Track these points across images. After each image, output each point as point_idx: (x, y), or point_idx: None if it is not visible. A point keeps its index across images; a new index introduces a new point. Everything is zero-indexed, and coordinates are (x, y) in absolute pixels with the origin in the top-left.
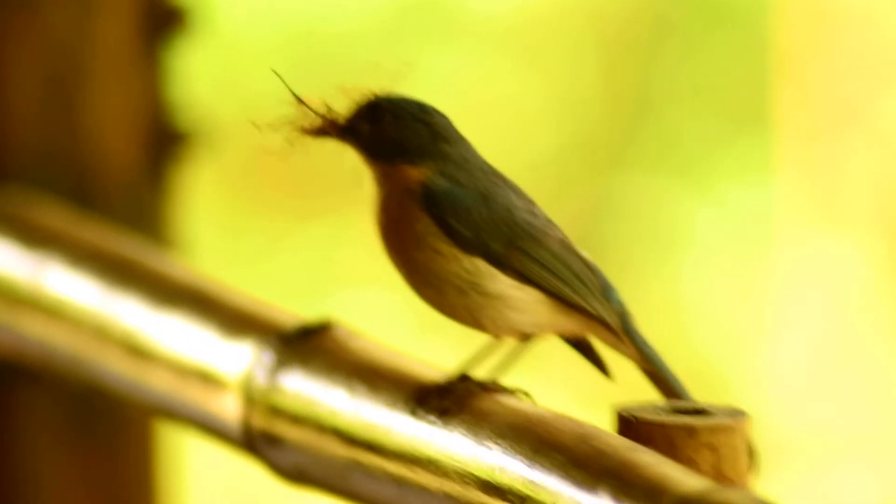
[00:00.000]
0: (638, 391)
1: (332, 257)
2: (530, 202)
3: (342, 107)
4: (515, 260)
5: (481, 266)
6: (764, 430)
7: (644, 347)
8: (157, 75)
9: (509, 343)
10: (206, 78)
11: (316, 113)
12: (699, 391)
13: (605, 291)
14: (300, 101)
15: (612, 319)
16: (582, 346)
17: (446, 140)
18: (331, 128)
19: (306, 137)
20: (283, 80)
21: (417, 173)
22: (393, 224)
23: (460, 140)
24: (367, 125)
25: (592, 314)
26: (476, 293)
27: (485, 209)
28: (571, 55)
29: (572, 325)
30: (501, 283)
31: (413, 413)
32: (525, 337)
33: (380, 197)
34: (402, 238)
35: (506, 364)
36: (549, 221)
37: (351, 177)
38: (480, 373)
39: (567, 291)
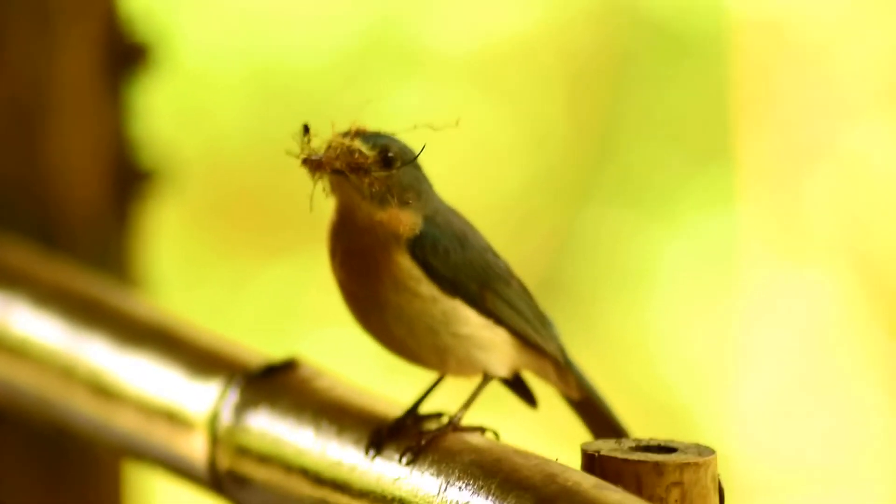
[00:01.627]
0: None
1: (297, 295)
2: (488, 243)
3: (314, 145)
4: (489, 301)
5: (459, 308)
6: (731, 465)
7: (581, 377)
8: (120, 112)
9: (458, 379)
10: (170, 114)
11: (323, 148)
12: (666, 425)
13: (548, 326)
14: (307, 132)
15: (559, 355)
16: (510, 379)
17: (427, 184)
18: (347, 164)
19: (316, 171)
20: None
21: (409, 220)
22: (370, 266)
23: (431, 184)
24: (381, 168)
25: (547, 353)
26: (448, 334)
27: (461, 251)
28: (536, 90)
29: (527, 363)
30: (473, 324)
31: (371, 458)
32: (485, 375)
33: (352, 238)
34: (379, 280)
35: (470, 402)
36: (506, 263)
37: (299, 218)
38: (430, 408)
39: (529, 331)
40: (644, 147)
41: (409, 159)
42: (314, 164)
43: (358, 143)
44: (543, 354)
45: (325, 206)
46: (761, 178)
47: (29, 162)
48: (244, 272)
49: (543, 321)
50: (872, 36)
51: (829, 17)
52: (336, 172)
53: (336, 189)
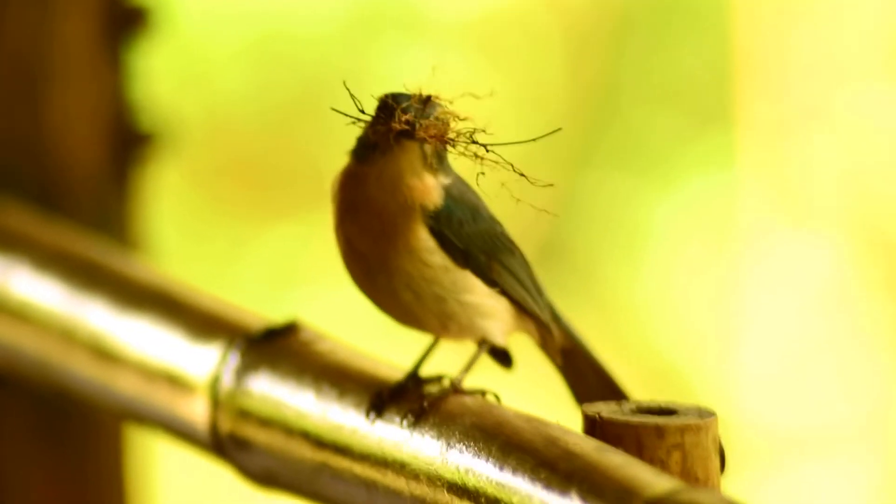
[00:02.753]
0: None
1: (297, 258)
2: (492, 213)
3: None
4: (495, 271)
5: (468, 277)
6: (731, 430)
7: (569, 330)
8: (120, 75)
9: (452, 344)
10: (169, 78)
11: (398, 120)
12: (666, 390)
13: (541, 292)
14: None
15: (552, 323)
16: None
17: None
18: (442, 136)
19: (432, 142)
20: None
21: (436, 191)
22: (384, 231)
23: None
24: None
25: (543, 321)
26: (455, 301)
27: (472, 223)
28: (535, 54)
29: (522, 329)
30: (479, 293)
31: (371, 422)
32: (482, 340)
33: (373, 197)
34: (392, 246)
35: (470, 365)
36: (505, 230)
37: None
38: (428, 371)
39: (529, 300)
40: (643, 110)
41: None
42: (406, 134)
43: (451, 117)
44: (538, 323)
45: (320, 168)
46: (761, 140)
47: (29, 126)
48: (244, 235)
49: (539, 288)
50: None
51: None
52: (424, 140)
53: (401, 152)
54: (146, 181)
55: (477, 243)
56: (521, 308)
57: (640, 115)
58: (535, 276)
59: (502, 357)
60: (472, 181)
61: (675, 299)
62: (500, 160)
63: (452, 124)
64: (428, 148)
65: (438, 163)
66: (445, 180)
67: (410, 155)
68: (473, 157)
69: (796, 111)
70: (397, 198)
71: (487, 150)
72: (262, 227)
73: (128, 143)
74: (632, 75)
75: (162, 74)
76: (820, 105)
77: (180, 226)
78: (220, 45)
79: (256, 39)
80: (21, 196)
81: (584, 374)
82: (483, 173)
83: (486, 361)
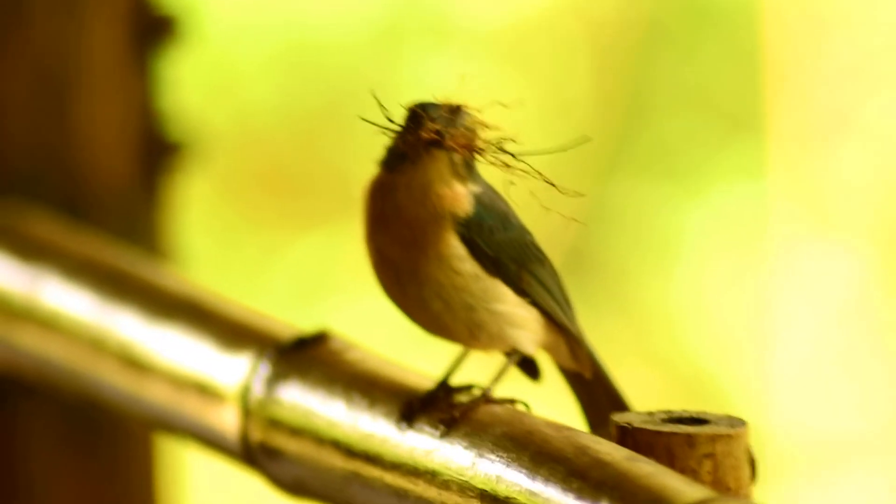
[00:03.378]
0: (632, 399)
1: (327, 267)
2: (523, 223)
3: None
4: (525, 281)
5: (499, 286)
6: (762, 439)
7: (594, 357)
8: (148, 84)
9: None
10: (198, 87)
11: (428, 130)
12: (697, 398)
13: (571, 307)
14: (417, 113)
15: (582, 337)
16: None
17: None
18: (468, 148)
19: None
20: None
21: (466, 199)
22: (414, 240)
23: None
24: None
25: (573, 333)
26: (485, 310)
27: (503, 231)
28: (563, 61)
29: (551, 341)
30: (510, 302)
31: (403, 431)
32: (511, 350)
33: (403, 205)
34: (422, 255)
35: (501, 374)
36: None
37: (328, 190)
38: (458, 380)
39: (558, 312)
40: (672, 117)
41: None
42: (435, 143)
43: (480, 126)
44: (566, 334)
45: (349, 176)
46: (792, 148)
47: (57, 135)
48: (273, 244)
49: (569, 302)
50: None
51: None
52: (453, 149)
53: (430, 161)
54: (174, 190)
55: (507, 251)
56: (550, 319)
57: (669, 123)
58: (564, 287)
59: (530, 369)
60: (501, 190)
61: (706, 308)
62: (529, 169)
63: (481, 133)
64: (457, 157)
65: (467, 171)
66: (475, 188)
67: (439, 164)
68: (502, 166)
69: (827, 119)
70: (427, 206)
71: (516, 159)
72: (291, 236)
73: (156, 153)
74: (660, 83)
75: (190, 83)
76: (851, 113)
77: (209, 235)
78: (249, 53)
79: (285, 48)
80: (50, 205)
81: (598, 399)
82: (513, 182)
83: (516, 371)
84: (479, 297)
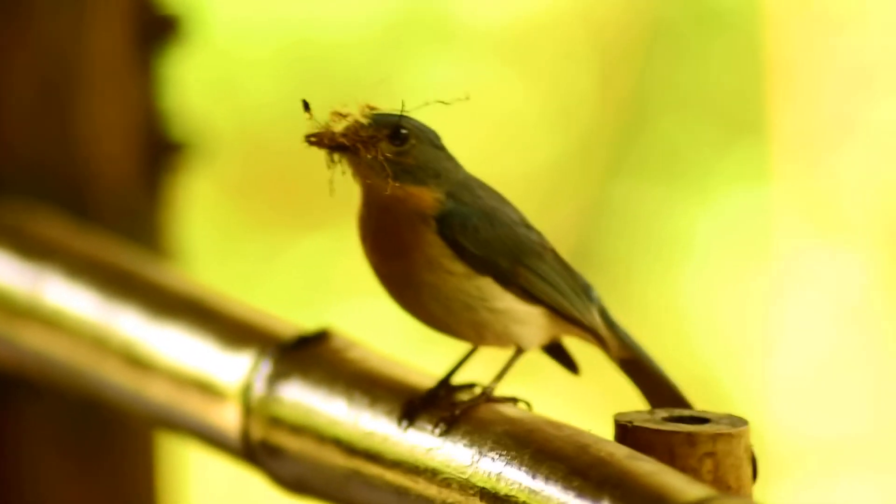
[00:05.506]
0: (634, 398)
1: (329, 267)
2: (523, 216)
3: (337, 122)
4: (521, 276)
5: (492, 284)
6: (764, 438)
7: (626, 338)
8: (151, 85)
9: (489, 350)
10: (201, 87)
11: (332, 126)
12: (699, 399)
13: (587, 293)
14: (308, 108)
15: (599, 325)
16: (550, 347)
17: (451, 162)
18: (352, 142)
19: (319, 148)
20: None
21: (430, 197)
22: (400, 245)
23: (457, 162)
24: (390, 145)
25: (585, 324)
26: (485, 309)
27: (490, 228)
28: (567, 64)
29: (562, 332)
30: (508, 299)
31: (404, 429)
32: (519, 347)
33: (375, 217)
34: (411, 260)
35: (503, 373)
36: (540, 234)
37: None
38: (461, 379)
39: (565, 304)
40: (676, 120)
41: (423, 136)
42: (318, 141)
43: (364, 119)
44: (582, 327)
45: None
46: (795, 151)
47: (60, 135)
48: (276, 244)
49: (580, 290)
50: None
51: None
52: (341, 148)
53: (352, 167)
54: (177, 190)
55: (497, 248)
56: (558, 313)
57: (673, 125)
58: (574, 276)
59: (567, 362)
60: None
61: (709, 310)
62: (386, 167)
63: (363, 130)
64: (374, 156)
65: (421, 170)
66: (448, 186)
67: (361, 166)
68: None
69: (830, 121)
70: (394, 211)
71: (385, 158)
72: (293, 235)
73: (159, 152)
74: (664, 85)
75: (193, 83)
76: (856, 117)
77: (212, 235)
78: (252, 53)
79: (288, 48)
80: (53, 204)
81: (647, 383)
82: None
83: (519, 369)
84: (475, 296)
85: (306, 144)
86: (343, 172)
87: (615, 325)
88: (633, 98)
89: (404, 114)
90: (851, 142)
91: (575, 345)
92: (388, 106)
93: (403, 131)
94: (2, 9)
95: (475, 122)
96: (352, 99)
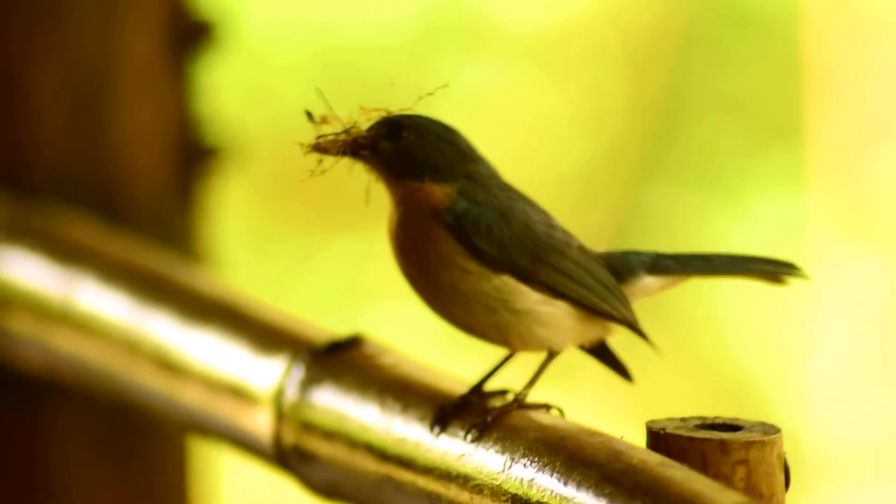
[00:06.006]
0: (667, 404)
1: (362, 271)
2: (547, 215)
3: (363, 125)
4: (543, 274)
5: (510, 283)
6: (801, 445)
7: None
8: (184, 90)
9: (524, 356)
10: (234, 92)
11: (337, 131)
12: (735, 406)
13: (619, 290)
14: (311, 118)
15: (635, 319)
16: (601, 353)
17: (468, 159)
18: (350, 145)
19: (326, 156)
20: (323, 97)
21: (440, 193)
22: (416, 244)
23: (480, 159)
24: (389, 143)
25: (619, 318)
26: (506, 310)
27: (505, 226)
28: (599, 68)
29: (597, 331)
30: (530, 299)
31: (436, 435)
32: (549, 351)
33: (398, 216)
34: (427, 258)
35: (535, 379)
36: (566, 232)
37: (363, 194)
38: (495, 385)
39: (594, 299)
40: (709, 125)
41: (425, 132)
42: (321, 150)
43: (358, 124)
44: (615, 321)
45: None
46: (831, 157)
47: (93, 140)
48: (309, 248)
49: (612, 286)
50: None
51: None
52: (343, 154)
53: (369, 168)
54: (210, 194)
55: (513, 247)
56: (588, 310)
57: (707, 129)
58: (603, 272)
59: (619, 368)
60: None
61: (745, 316)
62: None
63: (357, 135)
64: (375, 157)
65: (421, 164)
66: (460, 186)
67: (372, 169)
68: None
69: (867, 127)
70: (406, 207)
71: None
72: (325, 240)
73: (193, 157)
74: (698, 89)
75: (227, 88)
76: (892, 122)
77: (245, 239)
78: (285, 58)
79: (321, 51)
80: (86, 209)
81: None
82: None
83: (552, 374)
84: (495, 297)
85: (312, 152)
86: (377, 178)
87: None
88: (666, 102)
89: (406, 111)
90: (889, 148)
91: (625, 350)
92: (402, 107)
93: (399, 130)
94: (34, 16)
95: (507, 126)
96: (382, 103)
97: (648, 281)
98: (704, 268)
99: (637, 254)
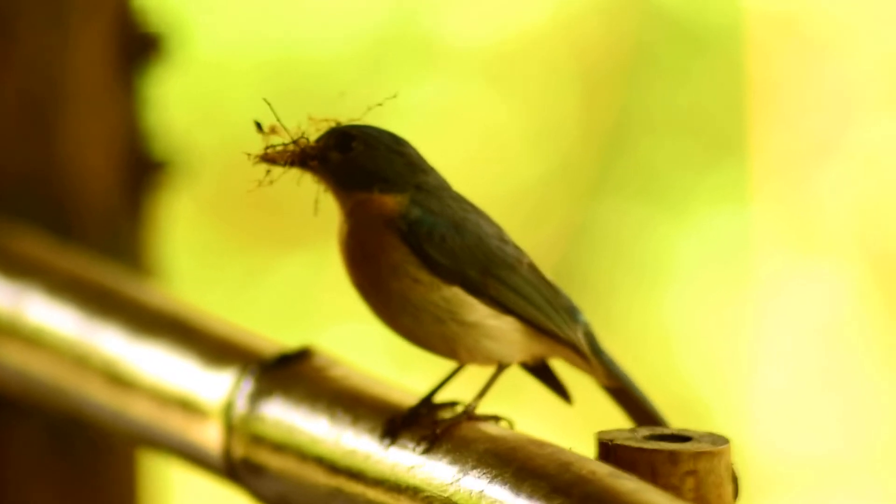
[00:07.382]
0: (616, 416)
1: (312, 289)
2: (500, 229)
3: (312, 136)
4: (492, 287)
5: (460, 294)
6: (746, 457)
7: (611, 365)
8: (134, 102)
9: (474, 369)
10: (184, 105)
11: (285, 141)
12: (681, 418)
13: (571, 313)
14: (260, 128)
15: (580, 342)
16: (541, 372)
17: (418, 169)
18: (299, 156)
19: (275, 166)
20: (271, 108)
21: (392, 203)
22: (366, 254)
23: (430, 169)
24: (337, 154)
25: (563, 339)
26: (454, 322)
27: (458, 237)
28: (550, 84)
29: (543, 350)
30: (479, 313)
31: (385, 447)
32: (497, 364)
33: (348, 227)
34: (378, 268)
35: (484, 391)
36: (518, 248)
37: (313, 205)
38: (444, 397)
39: (541, 318)
40: (657, 141)
41: (375, 142)
42: (269, 160)
43: (306, 134)
44: (561, 342)
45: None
46: (775, 172)
47: (43, 153)
48: (258, 265)
49: (560, 307)
50: (886, 30)
51: (844, 11)
52: (292, 165)
53: (318, 179)
54: (160, 208)
55: (465, 258)
56: (535, 328)
57: (655, 145)
58: (553, 293)
59: (559, 389)
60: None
61: (690, 329)
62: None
63: (305, 145)
64: (323, 167)
65: (371, 175)
66: (417, 195)
67: (321, 179)
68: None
69: (810, 142)
70: (356, 217)
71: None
72: (275, 255)
73: (141, 171)
74: (646, 106)
75: (176, 101)
76: (834, 136)
77: (194, 253)
78: (235, 70)
79: (270, 64)
80: (35, 223)
81: (632, 409)
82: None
83: (502, 388)
84: (443, 308)
85: (261, 163)
86: (325, 189)
87: (602, 353)
88: (616, 119)
89: (355, 122)
90: (831, 164)
91: (564, 369)
92: (351, 118)
93: (347, 140)
94: None
95: (458, 141)
96: (331, 114)
97: (577, 336)
98: (617, 377)
99: (578, 311)
